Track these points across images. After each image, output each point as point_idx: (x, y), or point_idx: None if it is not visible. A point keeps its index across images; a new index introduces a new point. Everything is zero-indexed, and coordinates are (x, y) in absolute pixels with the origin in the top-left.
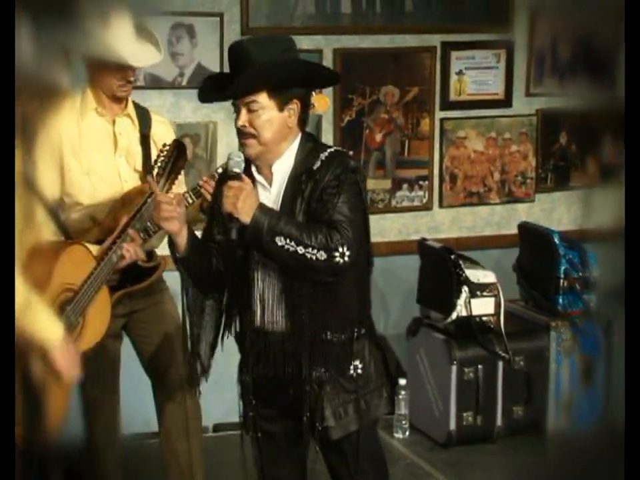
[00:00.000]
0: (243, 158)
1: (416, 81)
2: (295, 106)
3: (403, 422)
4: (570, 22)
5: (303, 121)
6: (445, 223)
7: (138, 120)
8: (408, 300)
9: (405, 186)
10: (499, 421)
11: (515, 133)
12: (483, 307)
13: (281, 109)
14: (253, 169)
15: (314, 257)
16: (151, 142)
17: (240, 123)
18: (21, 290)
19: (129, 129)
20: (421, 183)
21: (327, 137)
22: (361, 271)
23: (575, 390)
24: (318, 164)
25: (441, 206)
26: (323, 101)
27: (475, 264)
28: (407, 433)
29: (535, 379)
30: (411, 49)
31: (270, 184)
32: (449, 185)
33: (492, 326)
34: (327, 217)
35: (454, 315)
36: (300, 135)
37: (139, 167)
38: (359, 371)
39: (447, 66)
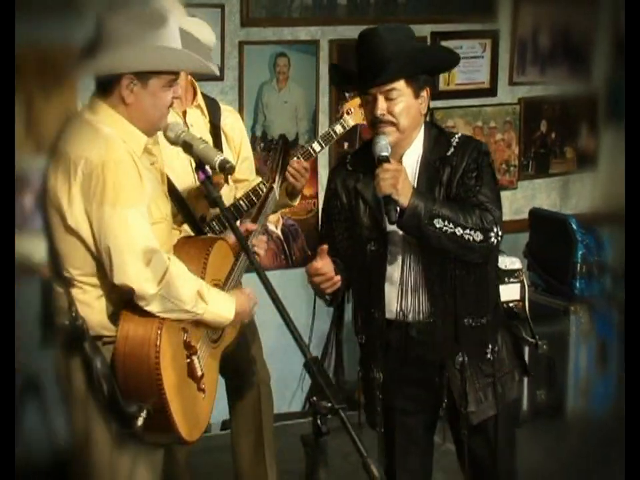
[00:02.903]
0: (388, 140)
1: None
2: (425, 93)
3: None
4: (550, 11)
5: (427, 109)
6: None
7: (208, 110)
8: None
9: None
10: (524, 406)
11: (499, 122)
12: (510, 293)
13: (416, 96)
14: None
15: (471, 238)
16: (221, 132)
17: (379, 111)
18: (193, 278)
19: (199, 120)
20: None
21: (324, 129)
22: (496, 253)
23: (592, 373)
24: (451, 150)
25: None
26: None
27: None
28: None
29: (557, 363)
30: None
31: None
32: None
33: (518, 311)
34: (474, 199)
35: None
36: (423, 122)
37: None
38: (495, 355)
39: None
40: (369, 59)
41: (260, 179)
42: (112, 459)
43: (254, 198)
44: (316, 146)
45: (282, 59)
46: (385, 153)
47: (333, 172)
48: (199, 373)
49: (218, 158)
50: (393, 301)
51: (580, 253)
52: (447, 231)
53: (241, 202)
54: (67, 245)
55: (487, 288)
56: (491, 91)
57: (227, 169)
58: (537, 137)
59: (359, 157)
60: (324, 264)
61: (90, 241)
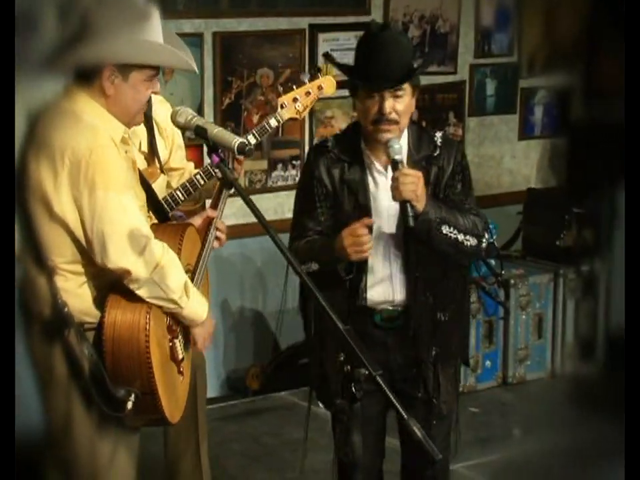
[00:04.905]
0: (401, 144)
1: (288, 62)
2: (417, 91)
3: None
4: (419, 3)
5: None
6: None
7: None
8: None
9: (280, 166)
10: None
11: None
12: None
13: (413, 95)
14: (368, 152)
15: (468, 243)
16: (154, 123)
17: (387, 110)
18: (182, 269)
19: None
20: (294, 162)
21: (209, 120)
22: None
23: (479, 350)
24: (437, 151)
25: None
26: (330, 82)
27: None
28: None
29: None
30: (283, 31)
31: (385, 168)
32: None
33: None
34: (466, 205)
35: None
36: None
37: (144, 147)
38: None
39: (314, 48)
40: (389, 62)
41: (197, 170)
42: (93, 445)
43: (190, 188)
44: (251, 138)
45: None
46: (399, 156)
47: (315, 157)
48: (180, 356)
49: (236, 141)
50: (371, 290)
51: None
52: (450, 236)
53: (178, 192)
54: (52, 232)
55: (464, 285)
56: None
57: (246, 151)
58: None
59: (342, 144)
60: None
61: (76, 228)
